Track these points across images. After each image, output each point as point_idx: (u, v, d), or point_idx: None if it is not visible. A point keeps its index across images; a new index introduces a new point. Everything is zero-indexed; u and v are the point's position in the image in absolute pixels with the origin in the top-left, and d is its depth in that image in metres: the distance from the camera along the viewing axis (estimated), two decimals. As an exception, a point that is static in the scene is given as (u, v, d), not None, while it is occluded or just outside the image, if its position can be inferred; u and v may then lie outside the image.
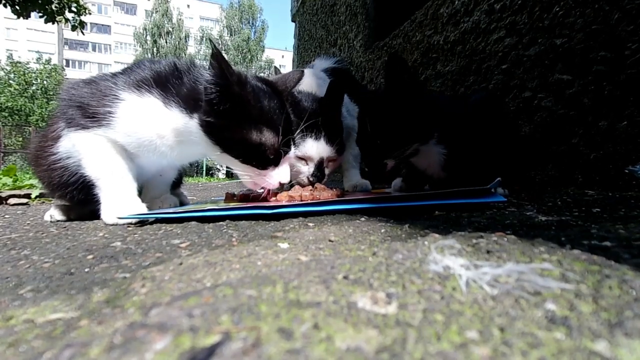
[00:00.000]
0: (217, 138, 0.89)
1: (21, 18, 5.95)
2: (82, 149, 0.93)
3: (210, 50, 0.84)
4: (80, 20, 6.55)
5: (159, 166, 1.06)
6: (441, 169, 1.08)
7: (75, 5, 6.33)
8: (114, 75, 0.97)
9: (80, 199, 1.03)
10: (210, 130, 0.88)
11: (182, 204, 1.22)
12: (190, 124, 0.90)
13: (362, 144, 1.09)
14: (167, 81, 0.92)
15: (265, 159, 0.92)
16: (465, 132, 1.04)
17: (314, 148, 1.22)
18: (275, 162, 0.94)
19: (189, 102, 0.90)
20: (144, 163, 1.01)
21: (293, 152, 1.01)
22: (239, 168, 0.94)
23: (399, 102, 0.99)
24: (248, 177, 0.95)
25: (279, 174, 0.96)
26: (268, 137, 0.90)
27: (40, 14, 6.03)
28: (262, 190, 1.02)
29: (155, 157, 0.98)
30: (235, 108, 0.86)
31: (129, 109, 0.91)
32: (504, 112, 1.43)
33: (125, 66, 1.04)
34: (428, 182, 1.18)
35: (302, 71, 1.15)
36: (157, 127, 0.92)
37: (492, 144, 1.08)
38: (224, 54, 0.83)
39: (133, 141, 0.93)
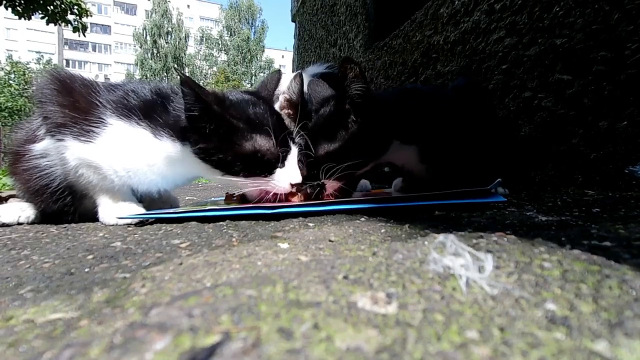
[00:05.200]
0: (214, 161, 0.87)
1: (22, 19, 5.95)
2: (68, 156, 0.90)
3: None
4: (82, 23, 6.56)
5: (149, 189, 1.02)
6: (419, 163, 1.02)
7: (77, 7, 6.34)
8: (97, 90, 0.92)
9: (56, 208, 1.00)
10: (205, 155, 0.87)
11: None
12: (185, 150, 0.89)
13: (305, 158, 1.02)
14: (155, 110, 0.90)
15: (267, 164, 0.89)
16: (439, 124, 0.98)
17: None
18: (279, 164, 0.91)
19: (178, 132, 0.89)
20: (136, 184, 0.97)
21: (295, 150, 0.97)
22: (246, 183, 0.91)
23: (348, 118, 0.93)
24: (254, 187, 0.92)
25: (288, 175, 0.92)
26: (262, 142, 0.88)
27: (42, 15, 6.03)
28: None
29: (146, 182, 0.95)
30: (221, 126, 0.85)
31: (115, 136, 0.88)
32: (486, 99, 1.40)
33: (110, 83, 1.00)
34: (408, 178, 1.12)
35: (279, 71, 1.16)
36: (145, 156, 0.90)
37: (473, 132, 1.03)
38: (193, 78, 0.82)
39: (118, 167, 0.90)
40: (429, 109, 1.00)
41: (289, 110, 1.22)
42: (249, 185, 0.91)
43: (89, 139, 0.88)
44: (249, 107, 0.90)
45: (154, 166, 0.91)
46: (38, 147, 0.96)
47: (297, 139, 1.00)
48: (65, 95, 0.89)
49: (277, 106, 1.22)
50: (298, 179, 0.93)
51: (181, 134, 0.88)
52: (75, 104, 0.89)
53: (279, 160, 0.91)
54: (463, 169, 1.00)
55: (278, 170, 0.91)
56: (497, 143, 1.13)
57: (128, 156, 0.89)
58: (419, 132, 0.98)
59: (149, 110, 0.90)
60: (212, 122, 0.84)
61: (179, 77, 0.81)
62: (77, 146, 0.88)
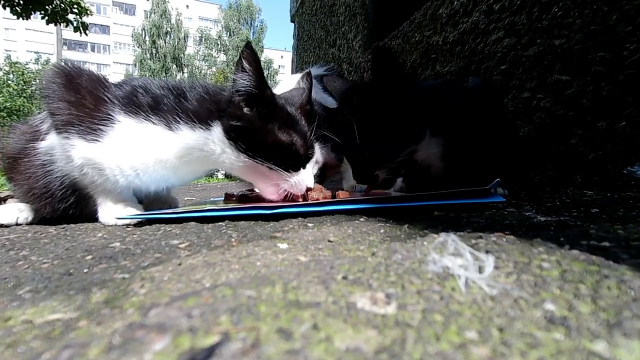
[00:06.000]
0: (246, 143, 0.86)
1: (21, 19, 5.93)
2: (74, 154, 0.89)
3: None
4: (83, 22, 6.53)
5: (157, 187, 1.01)
6: (440, 160, 1.03)
7: (77, 7, 6.32)
8: (105, 85, 0.92)
9: (60, 211, 0.99)
10: (238, 135, 0.86)
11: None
12: (207, 135, 0.87)
13: (349, 153, 1.03)
14: (169, 101, 0.89)
15: (298, 160, 0.91)
16: (464, 119, 0.99)
17: (321, 152, 1.24)
18: (304, 164, 0.94)
19: (202, 115, 0.88)
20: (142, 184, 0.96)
21: (317, 155, 1.00)
22: (263, 176, 0.91)
23: (388, 105, 0.93)
24: (272, 186, 0.92)
25: (306, 178, 0.94)
26: (297, 138, 0.90)
27: (42, 15, 6.01)
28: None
29: (155, 180, 0.95)
30: (266, 111, 0.87)
31: (125, 133, 0.87)
32: (499, 100, 1.43)
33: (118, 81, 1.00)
34: (424, 175, 1.11)
35: (303, 89, 1.16)
36: (157, 151, 0.89)
37: (493, 133, 1.04)
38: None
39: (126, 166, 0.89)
40: (461, 106, 1.01)
41: None
42: (266, 181, 0.92)
43: (96, 138, 0.86)
44: (288, 105, 0.94)
45: (166, 161, 0.90)
46: (44, 145, 0.95)
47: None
48: (71, 91, 0.88)
49: None
50: (312, 183, 0.97)
51: (206, 116, 0.88)
52: (82, 100, 0.87)
53: (307, 160, 0.94)
54: (480, 169, 1.00)
55: (302, 171, 0.93)
56: (505, 144, 1.13)
57: (138, 154, 0.88)
58: (450, 125, 0.99)
59: (162, 102, 0.89)
60: (262, 104, 0.86)
61: (241, 49, 0.82)
62: (83, 145, 0.87)
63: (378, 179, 0.98)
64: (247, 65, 0.82)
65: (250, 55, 0.82)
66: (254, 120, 0.86)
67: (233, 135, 0.86)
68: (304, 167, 0.93)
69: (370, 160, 0.97)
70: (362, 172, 1.00)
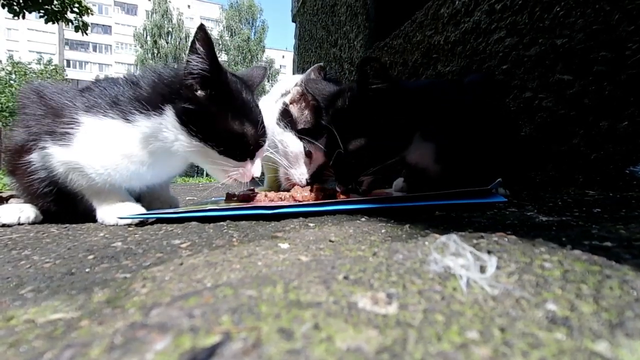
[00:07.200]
0: (197, 127, 0.85)
1: (17, 18, 5.92)
2: (54, 163, 0.91)
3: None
4: (83, 21, 6.52)
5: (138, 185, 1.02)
6: (434, 162, 1.02)
7: (77, 6, 6.30)
8: (66, 91, 0.95)
9: (60, 209, 1.01)
10: (189, 118, 0.85)
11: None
12: (161, 120, 0.87)
13: (332, 159, 1.01)
14: (125, 93, 0.90)
15: (247, 150, 0.91)
16: (457, 120, 0.97)
17: (321, 150, 1.23)
18: (252, 155, 0.94)
19: (155, 100, 0.87)
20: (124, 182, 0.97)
21: (265, 146, 1.00)
22: (213, 162, 0.91)
23: (373, 113, 0.92)
24: (221, 170, 0.92)
25: (255, 168, 0.95)
26: (248, 128, 0.90)
27: (41, 14, 6.00)
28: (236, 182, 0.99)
29: (130, 178, 0.95)
30: (218, 95, 0.86)
31: (89, 134, 0.89)
32: (500, 96, 1.42)
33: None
34: (417, 177, 1.10)
35: (265, 67, 1.15)
36: (120, 146, 0.90)
37: (490, 132, 1.02)
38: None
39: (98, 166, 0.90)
40: (453, 106, 1.00)
41: (302, 104, 1.20)
42: (215, 166, 0.92)
43: (67, 142, 0.89)
44: (243, 90, 0.93)
45: (131, 156, 0.90)
46: (33, 157, 0.97)
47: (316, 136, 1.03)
48: (40, 104, 0.93)
49: (288, 98, 1.22)
50: (259, 173, 0.96)
51: (160, 100, 0.87)
52: (50, 110, 0.91)
53: (257, 148, 0.94)
54: (477, 170, 0.99)
55: (249, 161, 0.93)
56: (506, 143, 1.12)
57: (104, 151, 0.89)
58: (441, 129, 0.97)
59: (119, 96, 0.90)
60: (215, 88, 0.85)
61: (197, 32, 0.80)
62: (58, 151, 0.89)
63: (363, 184, 0.97)
64: (200, 47, 0.81)
65: (203, 37, 0.80)
66: (206, 104, 0.85)
67: (185, 119, 0.85)
68: (252, 158, 0.94)
69: (355, 166, 0.95)
70: (345, 177, 0.99)
